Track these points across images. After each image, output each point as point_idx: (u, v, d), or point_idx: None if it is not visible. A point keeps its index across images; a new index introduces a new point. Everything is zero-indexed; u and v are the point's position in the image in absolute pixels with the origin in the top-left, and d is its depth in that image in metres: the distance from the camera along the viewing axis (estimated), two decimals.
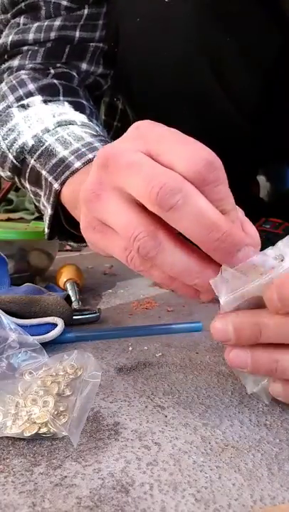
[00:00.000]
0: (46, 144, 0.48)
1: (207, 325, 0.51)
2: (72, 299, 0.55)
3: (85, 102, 0.57)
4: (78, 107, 0.54)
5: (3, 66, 0.60)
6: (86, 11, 0.58)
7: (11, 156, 0.51)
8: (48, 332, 0.44)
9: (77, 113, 0.53)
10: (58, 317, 0.46)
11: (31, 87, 0.54)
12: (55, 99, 0.54)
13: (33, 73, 0.56)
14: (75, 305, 0.54)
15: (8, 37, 0.59)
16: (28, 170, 0.51)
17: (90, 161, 0.44)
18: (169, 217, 0.28)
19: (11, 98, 0.54)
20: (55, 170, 0.46)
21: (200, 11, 0.57)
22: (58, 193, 0.46)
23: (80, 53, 0.60)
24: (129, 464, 0.28)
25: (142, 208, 0.29)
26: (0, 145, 0.52)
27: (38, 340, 0.40)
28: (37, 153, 0.49)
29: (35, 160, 0.49)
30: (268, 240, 0.73)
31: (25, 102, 0.53)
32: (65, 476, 0.27)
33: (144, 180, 0.28)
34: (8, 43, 0.59)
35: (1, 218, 1.33)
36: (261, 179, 1.04)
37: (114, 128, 0.77)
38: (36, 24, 0.57)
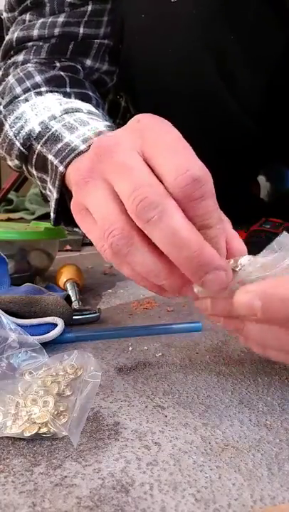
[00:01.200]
0: (53, 129, 0.48)
1: (207, 325, 0.51)
2: (72, 299, 0.55)
3: (91, 94, 0.57)
4: (85, 98, 0.55)
5: (9, 61, 0.60)
6: (90, 8, 0.58)
7: (18, 143, 0.52)
8: (48, 332, 0.44)
9: (84, 103, 0.53)
10: (58, 317, 0.46)
11: (38, 78, 0.55)
12: (62, 91, 0.55)
13: (39, 66, 0.57)
14: (75, 305, 0.54)
15: (14, 33, 0.59)
16: (35, 156, 0.51)
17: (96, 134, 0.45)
18: (144, 227, 0.29)
19: (18, 90, 0.54)
20: (61, 153, 0.45)
21: (206, 10, 0.57)
22: (63, 176, 0.45)
23: (85, 50, 0.60)
24: (129, 463, 0.28)
25: (123, 205, 0.30)
26: (7, 133, 0.52)
27: (38, 340, 0.40)
28: (43, 139, 0.49)
29: (41, 146, 0.49)
30: (268, 240, 0.73)
31: (32, 92, 0.53)
32: (65, 476, 0.27)
33: (130, 186, 0.28)
34: (14, 39, 0.59)
35: (1, 218, 1.34)
36: (261, 179, 1.04)
37: (116, 125, 0.77)
38: (41, 20, 0.58)
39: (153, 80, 0.64)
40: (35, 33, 0.58)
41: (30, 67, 0.56)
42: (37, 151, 0.50)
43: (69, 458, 0.29)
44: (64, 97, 0.53)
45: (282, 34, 0.60)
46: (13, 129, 0.52)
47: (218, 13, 0.57)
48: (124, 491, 0.26)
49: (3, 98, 0.56)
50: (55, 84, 0.55)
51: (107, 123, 0.48)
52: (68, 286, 0.58)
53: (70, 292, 0.57)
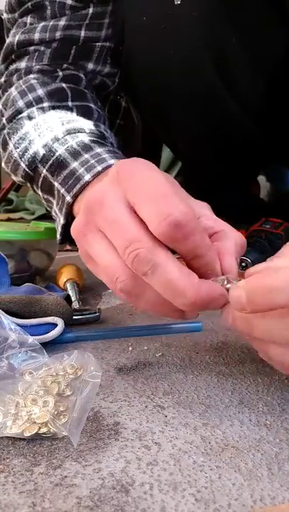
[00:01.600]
0: (57, 154, 0.49)
1: (207, 325, 0.51)
2: (72, 299, 0.55)
3: (93, 106, 0.57)
4: (86, 112, 0.55)
5: (11, 67, 0.60)
6: (91, 10, 0.58)
7: (23, 165, 0.53)
8: (48, 332, 0.44)
9: (85, 120, 0.53)
10: (58, 317, 0.46)
11: (40, 92, 0.55)
12: (64, 105, 0.55)
13: (42, 77, 0.57)
14: (75, 305, 0.54)
15: (15, 36, 0.59)
16: (41, 179, 0.52)
17: (99, 173, 0.46)
18: (143, 278, 0.31)
19: (21, 103, 0.54)
20: (67, 182, 0.47)
21: (207, 11, 0.57)
22: (70, 205, 0.47)
23: (87, 53, 0.60)
24: (129, 463, 0.28)
25: None
26: (12, 153, 0.53)
27: (38, 341, 0.40)
28: (48, 164, 0.50)
29: (46, 170, 0.50)
30: (268, 241, 0.73)
31: (34, 108, 0.54)
32: (65, 476, 0.27)
33: (122, 241, 0.31)
34: (15, 42, 0.59)
35: (1, 218, 1.33)
36: (261, 179, 1.04)
37: (116, 126, 0.78)
38: (42, 24, 0.58)
39: (153, 81, 0.64)
40: (37, 36, 0.58)
41: (32, 79, 0.56)
42: (43, 175, 0.51)
43: (69, 458, 0.29)
44: (66, 111, 0.54)
45: (283, 34, 0.60)
46: (18, 150, 0.53)
47: (219, 13, 0.57)
48: (124, 490, 0.26)
49: (5, 109, 0.56)
50: (57, 99, 0.55)
51: (109, 147, 0.49)
52: (68, 286, 0.58)
53: (70, 292, 0.57)
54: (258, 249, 0.66)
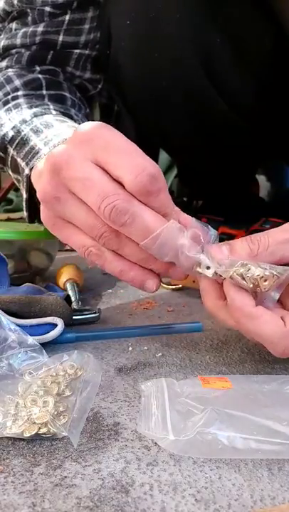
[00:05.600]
0: (22, 133, 0.51)
1: (207, 325, 0.51)
2: (72, 299, 0.55)
3: (67, 94, 0.59)
4: (59, 99, 0.58)
5: None
6: (68, 17, 0.60)
7: None
8: (48, 332, 0.44)
9: (56, 104, 0.56)
10: (58, 317, 0.46)
11: (17, 82, 0.58)
12: (38, 93, 0.57)
13: (20, 70, 0.60)
14: (74, 305, 0.54)
15: (1, 42, 0.62)
16: (10, 159, 0.54)
17: (55, 146, 0.46)
18: (120, 230, 0.33)
19: (0, 94, 0.58)
20: (27, 156, 0.49)
21: (191, 11, 0.57)
22: (29, 178, 0.48)
23: (64, 58, 0.62)
24: (129, 464, 0.28)
25: None
26: None
27: (37, 341, 0.40)
28: (15, 143, 0.52)
29: (13, 149, 0.52)
30: None
31: (9, 97, 0.57)
32: (65, 477, 0.27)
33: (97, 198, 0.32)
34: (1, 46, 0.62)
35: (1, 218, 1.33)
36: (261, 179, 1.04)
37: None
38: (23, 30, 0.60)
39: (142, 84, 0.64)
40: (18, 41, 0.60)
41: (10, 71, 0.59)
42: (11, 154, 0.53)
43: (69, 458, 0.28)
44: (38, 99, 0.56)
45: (269, 32, 0.60)
46: None
47: (201, 13, 0.58)
48: (124, 491, 0.26)
49: None
50: (32, 88, 0.58)
51: (73, 123, 0.51)
52: (68, 286, 0.58)
53: (70, 292, 0.57)
54: None
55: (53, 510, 0.24)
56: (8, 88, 0.57)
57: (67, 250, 0.91)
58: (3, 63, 0.62)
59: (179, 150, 0.74)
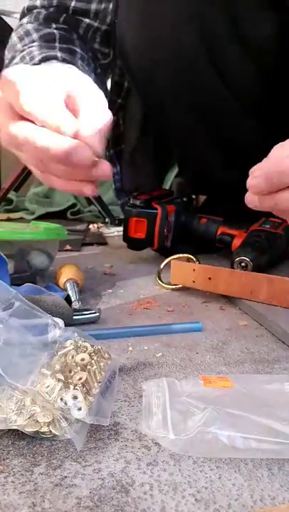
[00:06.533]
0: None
1: (207, 325, 0.51)
2: (72, 299, 0.55)
3: (78, 49, 0.65)
4: (69, 52, 0.63)
5: (18, 24, 0.71)
6: None
7: None
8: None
9: (64, 53, 0.61)
10: (58, 317, 0.46)
11: (34, 36, 0.65)
12: (51, 45, 0.63)
13: (37, 26, 0.67)
14: (75, 305, 0.54)
15: (25, 4, 0.71)
16: None
17: (47, 58, 0.57)
18: (27, 153, 0.42)
19: (19, 46, 0.65)
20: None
21: None
22: None
23: (74, 25, 0.68)
24: (129, 464, 0.28)
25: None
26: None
27: (38, 341, 0.40)
28: None
29: None
30: (267, 240, 0.73)
31: (26, 47, 0.63)
32: (65, 476, 0.27)
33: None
34: (25, 7, 0.70)
35: (1, 218, 1.33)
36: None
37: (117, 105, 0.82)
38: None
39: (143, 58, 0.66)
40: (38, 3, 0.69)
41: (29, 26, 0.66)
42: None
43: (69, 458, 0.28)
44: (49, 50, 0.61)
45: (272, 16, 0.61)
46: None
47: None
48: (124, 491, 0.26)
49: (8, 52, 0.67)
50: (46, 40, 0.64)
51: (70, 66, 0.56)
52: (68, 286, 0.58)
53: (70, 292, 0.57)
54: (258, 249, 0.66)
55: (53, 510, 0.24)
56: (26, 41, 0.64)
57: (67, 250, 0.91)
58: (25, 19, 0.70)
59: (178, 130, 0.75)
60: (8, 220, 1.37)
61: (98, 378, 0.33)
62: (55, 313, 0.46)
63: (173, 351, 0.44)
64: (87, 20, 0.67)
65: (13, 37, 0.68)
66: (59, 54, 0.59)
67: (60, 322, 0.45)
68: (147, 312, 0.56)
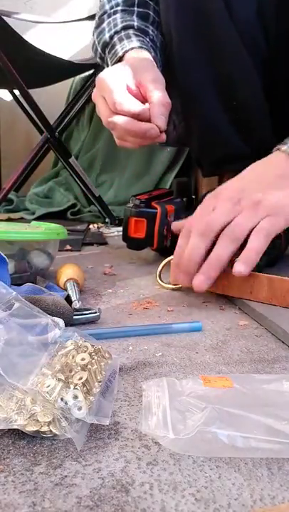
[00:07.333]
0: (112, 41, 0.74)
1: (207, 325, 0.51)
2: (73, 298, 0.55)
3: (151, 13, 0.78)
4: (144, 17, 0.77)
5: None
6: None
7: (100, 50, 0.79)
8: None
9: (139, 20, 0.76)
10: (58, 317, 0.46)
11: (119, 1, 0.79)
12: (130, 9, 0.77)
13: None
14: (75, 305, 0.54)
15: None
16: (106, 59, 0.78)
17: (126, 51, 0.70)
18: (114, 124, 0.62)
19: (107, 7, 0.79)
20: (112, 58, 0.73)
21: None
22: None
23: None
24: (129, 463, 0.28)
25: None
26: (96, 43, 0.79)
27: (38, 341, 0.40)
28: (109, 47, 0.75)
29: (108, 52, 0.75)
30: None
31: (112, 10, 0.78)
32: (65, 476, 0.27)
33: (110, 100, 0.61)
34: None
35: (2, 218, 1.33)
36: None
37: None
38: None
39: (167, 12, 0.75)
40: None
41: None
42: (106, 57, 0.77)
43: (69, 457, 0.29)
44: (129, 14, 0.77)
45: None
46: (97, 39, 0.78)
47: None
48: (124, 490, 0.26)
49: (100, 11, 0.80)
50: (127, 4, 0.78)
51: (143, 38, 0.73)
52: (68, 286, 0.58)
53: (70, 292, 0.57)
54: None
55: (53, 510, 0.24)
56: (113, 3, 0.78)
57: (67, 250, 0.91)
58: None
59: (187, 91, 0.79)
60: (9, 220, 1.37)
61: (98, 378, 0.33)
62: (56, 313, 0.47)
63: (173, 351, 0.44)
64: None
65: None
66: (136, 23, 0.74)
67: (61, 322, 0.45)
68: (147, 312, 0.56)
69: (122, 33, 0.73)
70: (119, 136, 0.64)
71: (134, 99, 0.61)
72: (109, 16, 0.78)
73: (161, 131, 0.60)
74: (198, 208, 0.57)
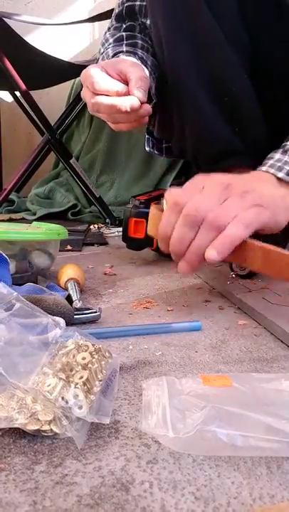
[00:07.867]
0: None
1: (206, 324, 0.51)
2: (73, 298, 0.56)
3: (138, 41, 0.82)
4: (132, 44, 0.81)
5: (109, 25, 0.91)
6: None
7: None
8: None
9: (128, 47, 0.80)
10: (59, 316, 0.46)
11: (111, 40, 0.84)
12: (120, 43, 0.82)
13: (113, 31, 0.86)
14: (75, 304, 0.54)
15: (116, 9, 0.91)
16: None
17: (116, 53, 0.77)
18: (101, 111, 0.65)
19: (102, 49, 0.85)
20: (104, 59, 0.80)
21: None
22: None
23: (132, 15, 0.86)
24: (129, 462, 0.28)
25: None
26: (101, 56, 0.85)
27: (38, 340, 0.40)
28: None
29: (100, 60, 0.82)
30: (265, 240, 0.73)
31: (105, 47, 0.84)
32: (66, 474, 0.27)
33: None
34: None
35: (3, 218, 1.34)
36: None
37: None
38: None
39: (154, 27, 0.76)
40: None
41: (108, 34, 0.86)
42: None
43: (69, 456, 0.29)
44: (118, 47, 0.81)
45: None
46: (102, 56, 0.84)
47: None
48: (124, 489, 0.26)
49: (101, 48, 0.86)
50: (117, 41, 0.83)
51: (131, 58, 0.73)
52: (69, 285, 0.59)
53: (71, 292, 0.57)
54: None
55: (53, 508, 0.25)
56: (106, 44, 0.84)
57: (68, 250, 0.91)
58: (109, 24, 0.90)
59: (178, 96, 0.78)
60: (10, 220, 1.37)
61: (99, 377, 0.33)
62: (56, 313, 0.47)
63: (172, 350, 0.44)
64: (138, 3, 0.83)
65: (105, 36, 0.87)
66: (124, 48, 0.80)
67: (61, 321, 0.46)
68: (147, 311, 0.56)
69: (114, 57, 0.79)
70: (107, 118, 0.67)
71: (113, 79, 0.64)
72: (101, 54, 0.85)
73: (142, 102, 0.63)
74: (189, 183, 0.55)
